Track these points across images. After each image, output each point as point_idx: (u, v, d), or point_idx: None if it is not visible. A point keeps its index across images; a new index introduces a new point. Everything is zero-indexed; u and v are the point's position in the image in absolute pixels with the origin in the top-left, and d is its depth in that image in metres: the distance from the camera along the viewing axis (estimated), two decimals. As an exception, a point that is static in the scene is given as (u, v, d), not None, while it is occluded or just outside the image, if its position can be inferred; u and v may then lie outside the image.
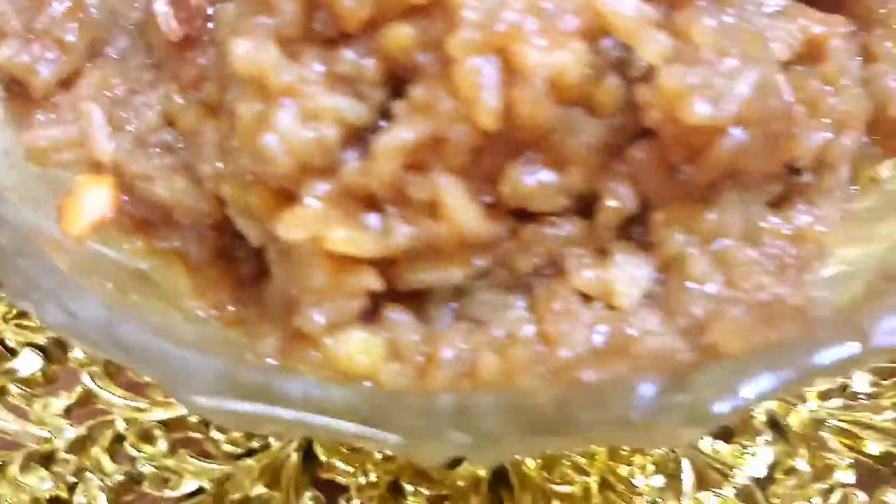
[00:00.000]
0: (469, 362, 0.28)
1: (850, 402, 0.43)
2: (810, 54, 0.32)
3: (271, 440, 0.43)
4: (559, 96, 0.26)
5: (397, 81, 0.28)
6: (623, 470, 0.42)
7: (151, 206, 0.34)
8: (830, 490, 0.39)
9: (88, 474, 0.40)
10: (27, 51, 0.35)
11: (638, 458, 0.42)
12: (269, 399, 0.25)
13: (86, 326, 0.27)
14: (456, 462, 0.43)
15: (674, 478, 0.41)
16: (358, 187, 0.28)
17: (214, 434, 0.43)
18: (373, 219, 0.29)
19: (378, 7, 0.27)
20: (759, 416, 0.43)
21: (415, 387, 0.29)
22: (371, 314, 0.30)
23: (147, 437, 0.42)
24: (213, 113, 0.33)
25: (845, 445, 0.41)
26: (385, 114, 0.29)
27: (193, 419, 0.44)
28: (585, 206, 0.30)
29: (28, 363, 0.45)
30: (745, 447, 0.42)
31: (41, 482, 0.40)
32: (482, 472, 0.41)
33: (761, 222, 0.32)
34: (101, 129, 0.35)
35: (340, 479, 0.42)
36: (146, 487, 0.41)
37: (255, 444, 0.43)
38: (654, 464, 0.42)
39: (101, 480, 0.40)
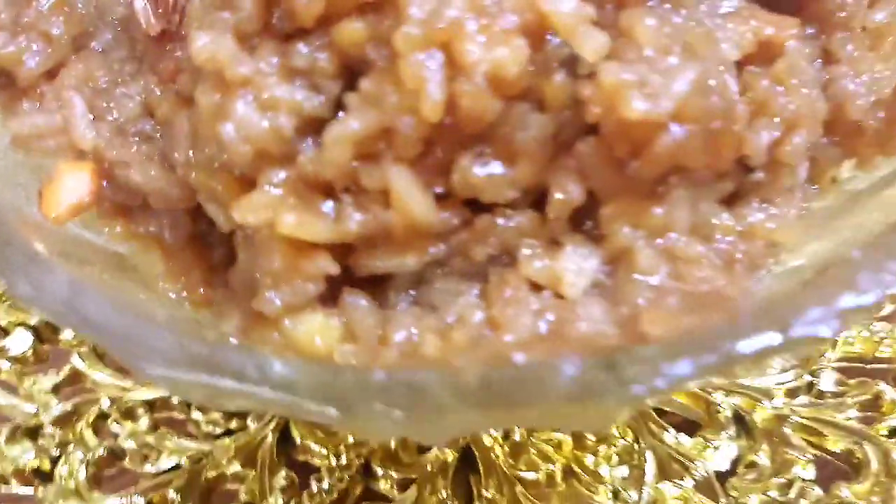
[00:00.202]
0: (414, 343, 0.30)
1: (816, 401, 0.44)
2: (763, 55, 0.33)
3: (249, 422, 0.45)
4: (501, 90, 0.28)
5: (352, 74, 0.30)
6: (588, 459, 0.43)
7: (130, 192, 0.35)
8: (789, 485, 0.40)
9: (72, 448, 0.42)
10: (15, 42, 0.37)
11: (603, 449, 0.43)
12: (215, 371, 0.27)
13: (51, 299, 0.29)
14: (426, 447, 0.44)
15: (637, 468, 0.42)
16: (314, 175, 0.30)
17: (195, 415, 0.45)
18: (327, 206, 0.30)
19: (331, 3, 0.28)
20: (725, 412, 0.44)
21: (364, 366, 0.30)
22: (331, 298, 0.32)
23: (130, 415, 0.44)
24: (186, 103, 0.34)
25: (807, 442, 0.42)
26: (342, 106, 0.30)
27: (175, 400, 0.45)
28: (538, 198, 0.32)
29: (20, 342, 0.47)
30: (708, 441, 0.42)
31: (25, 453, 0.41)
32: (450, 458, 0.43)
33: (713, 219, 0.33)
34: (83, 117, 0.36)
35: (314, 461, 0.43)
36: (126, 463, 0.42)
37: (233, 425, 0.44)
38: (618, 454, 0.43)
39: (84, 454, 0.42)
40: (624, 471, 0.42)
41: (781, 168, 0.34)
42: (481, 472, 0.42)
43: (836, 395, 0.44)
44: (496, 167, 0.30)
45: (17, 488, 0.41)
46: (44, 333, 0.47)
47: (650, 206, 0.31)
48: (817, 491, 0.39)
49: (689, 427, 0.44)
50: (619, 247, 0.31)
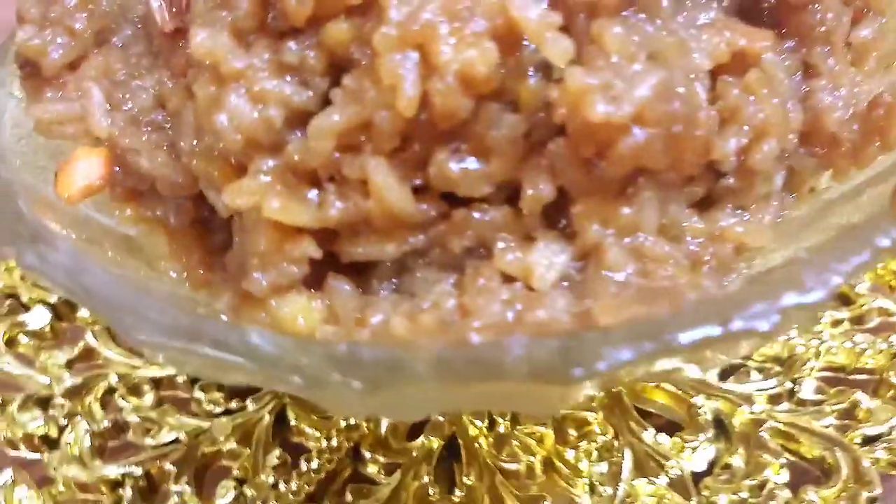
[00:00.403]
0: (387, 325, 0.32)
1: (796, 408, 0.44)
2: (738, 66, 0.34)
3: (248, 403, 0.47)
4: (471, 89, 0.30)
5: (339, 72, 0.32)
6: (569, 454, 0.44)
7: (139, 178, 0.38)
8: (760, 487, 0.41)
9: (79, 419, 0.45)
10: (41, 36, 0.39)
11: (584, 444, 0.44)
12: (197, 339, 0.29)
13: (54, 269, 0.31)
14: (415, 434, 0.46)
15: (616, 465, 0.43)
16: (300, 164, 0.32)
17: (197, 394, 0.47)
18: (312, 193, 0.32)
19: (320, 5, 0.31)
20: (706, 415, 0.45)
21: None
22: (317, 282, 0.34)
23: (136, 391, 0.47)
24: (193, 96, 0.36)
25: (783, 447, 0.43)
26: (329, 101, 0.32)
27: (181, 379, 0.48)
28: (513, 195, 0.33)
29: (38, 318, 0.50)
30: (686, 441, 0.44)
31: (35, 421, 0.44)
32: (435, 445, 0.44)
33: (683, 221, 0.35)
34: (100, 107, 0.39)
35: (307, 443, 0.45)
36: (130, 436, 0.45)
37: (233, 405, 0.47)
38: (598, 450, 0.44)
39: (90, 425, 0.45)
40: (603, 467, 0.43)
41: (753, 175, 0.35)
42: (464, 460, 0.44)
43: (815, 402, 0.45)
44: (471, 162, 0.32)
45: (25, 453, 0.44)
46: (62, 311, 0.50)
47: (619, 205, 0.33)
48: (786, 493, 0.40)
49: (672, 429, 0.45)
50: (589, 244, 0.33)
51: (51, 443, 0.44)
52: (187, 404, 0.47)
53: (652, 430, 0.44)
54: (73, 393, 0.46)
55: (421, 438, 0.45)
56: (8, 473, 0.41)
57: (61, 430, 0.44)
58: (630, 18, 0.33)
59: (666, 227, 0.34)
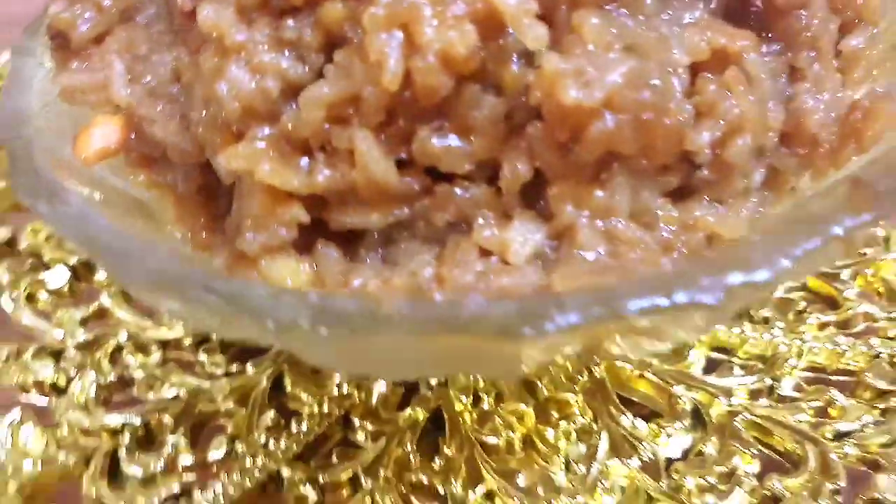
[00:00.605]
0: (364, 286, 0.34)
1: (774, 404, 0.46)
2: (719, 64, 0.36)
3: (248, 367, 0.49)
4: (451, 69, 0.32)
5: (333, 48, 0.34)
6: (549, 434, 0.46)
7: (153, 145, 0.40)
8: (729, 474, 0.42)
9: (87, 371, 0.47)
10: (71, 10, 0.42)
11: (564, 425, 0.46)
12: (185, 286, 0.31)
13: (64, 219, 0.34)
14: (404, 407, 0.48)
15: (593, 446, 0.45)
16: (293, 133, 0.34)
17: (201, 357, 0.49)
18: (303, 161, 0.35)
19: (317, -14, 0.33)
20: (685, 405, 0.46)
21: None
22: (307, 248, 0.36)
23: (144, 350, 0.49)
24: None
25: (756, 439, 0.44)
26: (323, 75, 0.35)
27: (187, 342, 0.50)
28: (494, 174, 0.35)
29: (58, 277, 0.53)
30: (662, 428, 0.45)
31: (46, 369, 0.47)
32: (421, 417, 0.46)
33: (657, 209, 0.36)
34: (121, 78, 0.41)
35: (301, 409, 0.48)
36: (134, 390, 0.48)
37: (233, 368, 0.49)
38: (577, 431, 0.46)
39: (97, 377, 0.47)
40: (581, 448, 0.45)
41: (729, 169, 0.36)
42: (447, 432, 0.46)
43: (793, 399, 0.46)
44: (453, 140, 0.34)
45: (35, 398, 0.47)
46: (80, 273, 0.53)
47: (593, 189, 0.35)
48: (753, 482, 0.42)
49: (653, 418, 0.46)
50: (563, 224, 0.35)
51: (59, 390, 0.47)
52: (191, 366, 0.49)
53: (630, 416, 0.46)
54: (85, 347, 0.49)
55: (408, 410, 0.47)
56: (17, 413, 0.44)
57: (70, 379, 0.47)
58: (612, 13, 0.35)
59: (640, 213, 0.36)
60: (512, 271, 0.34)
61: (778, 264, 0.30)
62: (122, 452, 0.44)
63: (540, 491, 0.43)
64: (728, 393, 0.46)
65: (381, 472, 0.44)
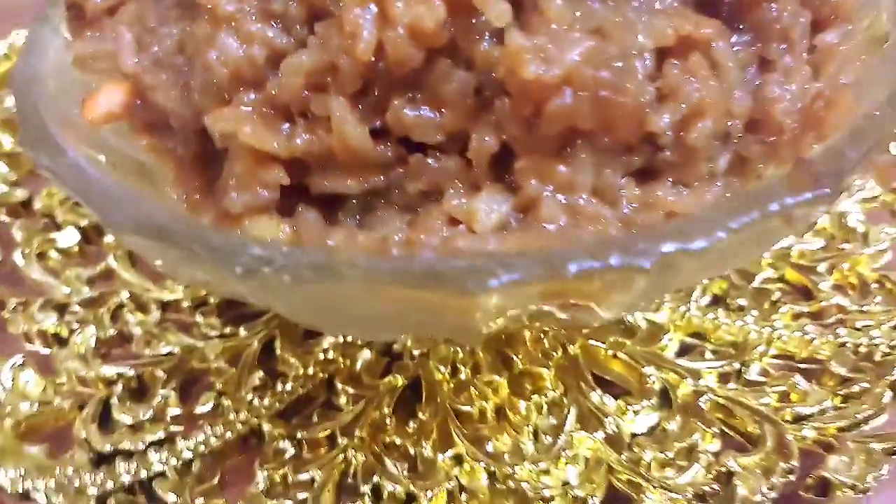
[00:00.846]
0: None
1: (741, 387, 0.47)
2: (684, 50, 0.38)
3: (241, 330, 0.52)
4: (420, 41, 0.34)
5: (316, 20, 0.37)
6: (521, 406, 0.48)
7: (156, 111, 0.43)
8: (689, 450, 0.44)
9: (89, 325, 0.50)
10: (87, -17, 0.45)
11: (536, 398, 0.48)
12: (165, 233, 0.34)
13: (64, 169, 0.37)
14: (385, 374, 0.50)
15: (562, 419, 0.47)
16: (277, 99, 0.37)
17: (198, 318, 0.52)
18: (285, 126, 0.37)
19: (303, -36, 0.36)
20: (654, 385, 0.48)
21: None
22: (289, 211, 0.39)
23: (144, 309, 0.52)
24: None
25: (719, 420, 0.45)
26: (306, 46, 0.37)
27: (186, 304, 0.53)
28: (466, 147, 0.37)
29: (69, 238, 0.56)
30: (630, 405, 0.47)
31: (50, 319, 0.50)
32: (400, 382, 0.49)
33: (623, 188, 0.38)
34: (129, 47, 0.44)
35: (288, 371, 0.50)
36: (132, 346, 0.50)
37: (227, 330, 0.52)
38: (547, 404, 0.47)
39: (98, 331, 0.50)
40: (551, 420, 0.47)
41: (692, 152, 0.38)
42: (424, 398, 0.48)
43: (759, 383, 0.47)
44: (424, 111, 0.36)
45: (38, 347, 0.50)
46: (90, 235, 0.56)
47: (557, 164, 0.37)
48: (709, 458, 0.43)
49: (623, 396, 0.48)
50: (528, 197, 0.37)
51: (61, 341, 0.50)
52: (188, 327, 0.52)
53: (599, 392, 0.47)
54: (88, 303, 0.52)
55: (388, 377, 0.49)
56: (19, 358, 0.47)
57: (72, 331, 0.50)
58: (579, -2, 0.37)
59: (603, 190, 0.38)
60: (474, 237, 0.36)
61: (714, 235, 0.31)
62: (115, 401, 0.46)
63: (506, 457, 0.45)
64: (697, 375, 0.48)
65: (357, 432, 0.46)
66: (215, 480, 0.44)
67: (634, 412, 0.46)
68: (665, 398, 0.47)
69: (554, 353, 0.49)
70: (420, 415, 0.47)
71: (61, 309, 0.51)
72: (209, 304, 0.53)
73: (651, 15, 0.38)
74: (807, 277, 0.52)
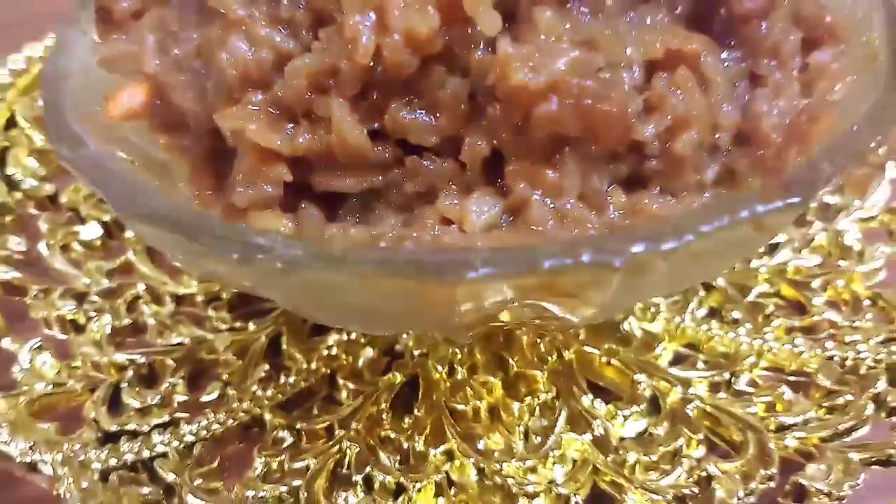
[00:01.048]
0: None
1: (730, 397, 0.48)
2: (673, 64, 0.39)
3: (250, 325, 0.54)
4: (416, 48, 0.36)
5: (321, 26, 0.39)
6: (515, 406, 0.49)
7: (174, 111, 0.46)
8: (674, 455, 0.45)
9: (106, 314, 0.53)
10: (116, -12, 0.48)
11: (529, 399, 0.49)
12: (171, 221, 0.36)
13: (82, 159, 0.39)
14: (386, 371, 0.52)
15: (553, 420, 0.48)
16: (282, 100, 0.39)
17: (209, 312, 0.54)
18: (289, 126, 0.39)
19: (309, -27, 0.38)
20: (645, 392, 0.49)
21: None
22: (293, 207, 0.41)
23: (159, 301, 0.55)
24: (220, 46, 0.44)
25: (706, 427, 0.47)
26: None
27: (199, 298, 0.55)
28: (460, 150, 0.39)
29: (91, 231, 0.58)
30: (619, 409, 0.48)
31: (68, 307, 0.53)
32: (398, 380, 0.50)
33: (611, 195, 0.40)
34: (150, 50, 0.46)
35: (292, 366, 0.52)
36: (146, 336, 0.53)
37: (237, 325, 0.54)
38: (539, 406, 0.49)
39: (113, 320, 0.53)
40: (542, 422, 0.48)
41: (678, 162, 0.40)
42: (420, 395, 0.50)
43: (747, 393, 0.48)
44: (420, 115, 0.38)
45: (55, 332, 0.52)
46: (112, 230, 0.59)
47: (545, 169, 0.38)
48: (692, 462, 0.44)
49: (606, 397, 0.50)
50: (518, 200, 0.39)
51: (78, 328, 0.53)
52: (200, 320, 0.54)
53: (590, 396, 0.49)
54: (106, 294, 0.54)
55: (388, 375, 0.51)
56: (37, 340, 0.50)
57: (89, 319, 0.53)
58: (572, 10, 0.39)
59: (590, 196, 0.39)
60: (462, 235, 0.38)
61: (683, 238, 0.33)
62: (125, 385, 0.49)
63: (495, 454, 0.46)
64: (687, 384, 0.49)
65: (354, 425, 0.48)
66: (215, 464, 0.46)
67: (624, 417, 0.48)
68: (655, 405, 0.48)
69: (549, 358, 0.51)
70: (416, 411, 0.49)
71: (80, 298, 0.54)
72: (221, 299, 0.55)
73: (642, 29, 0.40)
74: (801, 293, 0.53)
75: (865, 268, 0.53)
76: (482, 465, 0.45)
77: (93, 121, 0.45)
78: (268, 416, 0.48)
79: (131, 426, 0.46)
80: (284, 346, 0.53)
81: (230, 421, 0.48)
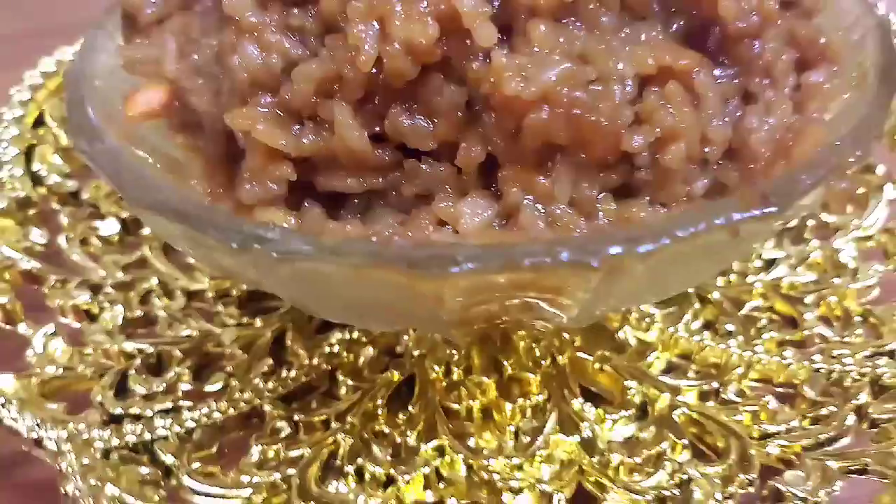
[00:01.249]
0: (328, 235, 0.40)
1: (718, 405, 0.49)
2: (665, 79, 0.41)
3: (257, 321, 0.56)
4: (415, 56, 0.38)
5: (329, 34, 0.41)
6: (507, 407, 0.51)
7: (191, 112, 0.48)
8: (656, 458, 0.46)
9: (118, 305, 0.55)
10: (142, -4, 0.51)
11: (521, 401, 0.51)
12: (177, 211, 0.38)
13: (98, 152, 0.42)
14: (385, 370, 0.53)
15: (543, 421, 0.49)
16: (290, 103, 0.41)
17: (219, 307, 0.57)
18: (295, 128, 0.41)
19: (319, -17, 0.40)
20: (634, 397, 0.50)
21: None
22: (298, 205, 0.43)
23: (170, 295, 0.57)
24: (236, 51, 0.46)
25: (692, 433, 0.48)
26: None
27: (210, 294, 0.58)
28: (455, 155, 0.41)
29: (110, 227, 0.61)
30: (608, 413, 0.49)
31: (83, 297, 0.55)
32: (395, 377, 0.52)
33: (601, 203, 0.41)
34: (171, 54, 0.48)
35: (294, 361, 0.54)
36: (156, 328, 0.55)
37: (244, 320, 0.56)
38: (531, 408, 0.50)
39: (126, 311, 0.55)
40: (533, 423, 0.50)
41: (667, 173, 0.41)
42: (416, 394, 0.51)
43: (735, 402, 0.49)
44: (419, 120, 0.40)
45: (70, 320, 0.55)
46: (130, 226, 0.61)
47: (537, 175, 0.40)
48: (675, 465, 0.45)
49: (596, 400, 0.51)
50: (510, 204, 0.40)
51: (91, 317, 0.55)
52: (209, 315, 0.56)
53: (581, 399, 0.50)
54: (121, 286, 0.57)
55: (386, 373, 0.53)
56: (52, 326, 0.52)
57: (102, 309, 0.55)
58: (568, 25, 0.40)
59: (581, 202, 0.41)
60: (452, 235, 0.40)
61: (660, 240, 0.34)
62: (132, 373, 0.51)
63: (484, 451, 0.47)
64: (676, 391, 0.50)
65: (349, 419, 0.49)
66: (213, 449, 0.48)
67: (613, 421, 0.49)
68: (643, 411, 0.50)
69: (543, 362, 0.52)
70: (411, 408, 0.50)
71: (95, 289, 0.56)
72: (231, 295, 0.57)
73: (636, 45, 0.41)
74: (794, 308, 0.54)
75: (858, 285, 0.54)
76: (471, 461, 0.47)
77: (113, 118, 0.47)
78: (268, 408, 0.50)
79: (135, 410, 0.48)
80: (289, 343, 0.55)
81: (231, 410, 0.49)
